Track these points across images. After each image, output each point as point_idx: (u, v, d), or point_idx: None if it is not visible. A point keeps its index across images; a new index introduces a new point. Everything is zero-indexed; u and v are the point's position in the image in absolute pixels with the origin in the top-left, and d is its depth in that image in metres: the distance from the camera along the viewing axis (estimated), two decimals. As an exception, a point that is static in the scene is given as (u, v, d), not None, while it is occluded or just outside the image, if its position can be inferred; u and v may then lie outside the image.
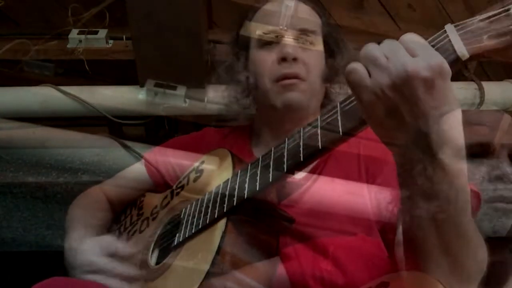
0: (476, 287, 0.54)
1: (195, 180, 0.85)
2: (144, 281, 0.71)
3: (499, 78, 1.47)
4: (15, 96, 1.28)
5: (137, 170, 1.01)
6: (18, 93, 1.28)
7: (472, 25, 0.45)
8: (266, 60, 0.86)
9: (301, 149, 0.58)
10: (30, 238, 1.26)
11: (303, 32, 0.86)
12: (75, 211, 0.90)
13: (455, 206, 0.48)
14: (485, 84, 1.40)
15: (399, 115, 0.44)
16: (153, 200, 0.94)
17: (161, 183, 0.96)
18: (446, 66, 0.44)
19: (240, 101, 0.91)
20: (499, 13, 0.43)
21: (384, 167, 0.77)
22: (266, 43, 0.87)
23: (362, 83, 0.45)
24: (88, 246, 0.73)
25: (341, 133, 0.53)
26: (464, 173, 0.48)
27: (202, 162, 0.87)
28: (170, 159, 0.98)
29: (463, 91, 1.39)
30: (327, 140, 0.55)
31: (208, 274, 0.59)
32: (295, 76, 0.82)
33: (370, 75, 0.45)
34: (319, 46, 0.89)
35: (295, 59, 0.83)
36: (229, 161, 0.77)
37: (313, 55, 0.87)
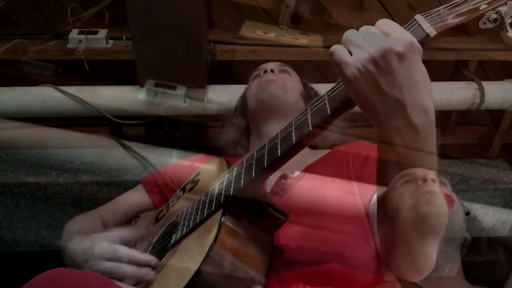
0: (436, 243, 0.61)
1: (190, 189, 0.86)
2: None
3: (499, 78, 1.47)
4: (15, 96, 1.27)
5: (137, 193, 1.02)
6: (18, 93, 1.28)
7: (437, 11, 0.56)
8: (253, 84, 1.10)
9: (292, 134, 0.62)
10: (30, 238, 1.26)
11: (281, 65, 1.14)
12: (72, 228, 0.90)
13: (425, 166, 0.55)
14: (485, 84, 1.39)
15: (377, 86, 0.51)
16: (148, 216, 0.95)
17: (162, 203, 0.98)
18: (416, 42, 0.52)
19: (237, 136, 1.12)
20: (459, 0, 0.55)
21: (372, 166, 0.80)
22: (255, 77, 1.12)
23: (344, 59, 0.53)
24: (100, 237, 0.74)
25: (329, 113, 0.58)
26: (434, 137, 0.54)
27: (198, 174, 0.88)
28: (169, 177, 1.02)
29: (463, 91, 1.38)
30: (317, 121, 0.60)
31: (198, 273, 0.59)
32: (274, 79, 1.05)
33: (351, 54, 0.53)
34: (295, 76, 1.14)
35: (272, 70, 1.08)
36: (225, 168, 0.78)
37: (290, 76, 1.11)
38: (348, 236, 0.75)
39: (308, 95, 1.12)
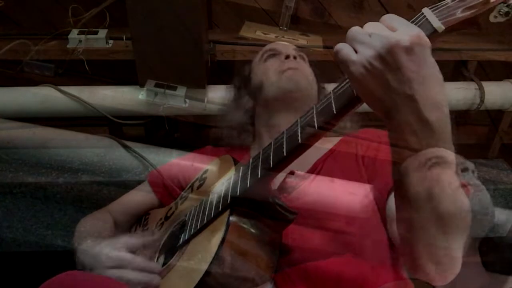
0: (462, 241, 0.56)
1: (198, 187, 0.86)
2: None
3: (499, 78, 1.47)
4: (15, 96, 1.27)
5: (143, 190, 1.03)
6: (18, 93, 1.28)
7: (446, 5, 0.53)
8: (270, 67, 1.00)
9: (298, 133, 0.61)
10: (30, 238, 1.26)
11: (297, 49, 1.05)
12: (83, 228, 0.90)
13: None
14: (485, 84, 1.40)
15: (386, 82, 0.50)
16: (158, 214, 0.95)
17: (168, 201, 0.97)
18: (423, 35, 0.50)
19: (242, 121, 1.04)
20: None
21: (384, 157, 0.79)
22: (268, 57, 1.02)
23: (350, 58, 0.51)
24: (106, 244, 0.74)
25: (335, 112, 0.57)
26: (449, 131, 0.51)
27: (205, 171, 0.88)
28: (175, 174, 1.02)
29: (463, 91, 1.39)
30: (323, 121, 0.59)
31: (207, 274, 0.59)
32: (298, 68, 0.98)
33: (356, 52, 0.51)
34: (307, 62, 1.05)
35: (295, 57, 1.01)
36: (231, 166, 0.78)
37: (306, 64, 1.03)
38: (357, 231, 0.74)
39: (318, 83, 1.05)
